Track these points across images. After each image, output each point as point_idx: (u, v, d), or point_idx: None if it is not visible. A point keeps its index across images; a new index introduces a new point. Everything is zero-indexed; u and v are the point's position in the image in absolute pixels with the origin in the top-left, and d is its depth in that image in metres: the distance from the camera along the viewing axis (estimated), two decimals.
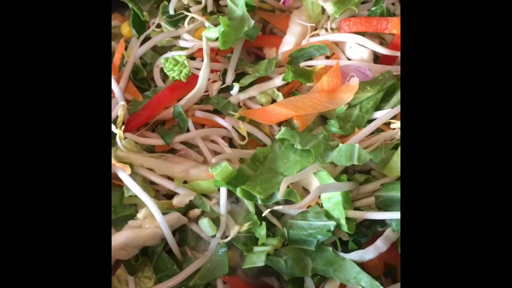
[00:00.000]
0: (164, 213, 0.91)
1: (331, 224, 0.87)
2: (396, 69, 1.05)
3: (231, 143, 1.04)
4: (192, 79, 1.05)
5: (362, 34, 1.07)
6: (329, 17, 1.11)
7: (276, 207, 0.88)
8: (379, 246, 0.89)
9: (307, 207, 0.91)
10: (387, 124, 0.96)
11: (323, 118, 1.04)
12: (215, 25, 1.09)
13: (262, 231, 0.90)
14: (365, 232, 0.92)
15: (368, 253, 0.89)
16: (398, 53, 1.05)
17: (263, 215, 0.88)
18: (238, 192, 0.90)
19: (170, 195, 0.97)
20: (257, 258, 0.89)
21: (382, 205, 0.91)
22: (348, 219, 0.88)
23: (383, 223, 0.91)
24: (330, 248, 0.90)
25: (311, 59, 1.08)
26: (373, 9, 1.10)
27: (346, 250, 0.90)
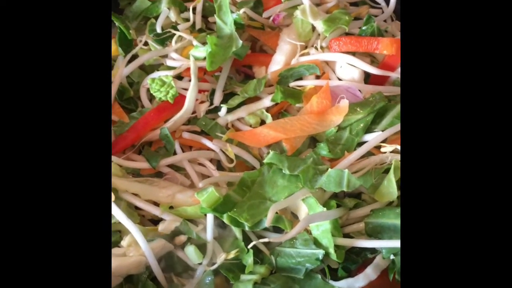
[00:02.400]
0: (149, 240, 0.89)
1: (320, 252, 0.85)
2: (387, 90, 1.03)
3: (219, 166, 1.01)
4: (179, 99, 1.03)
5: (353, 53, 1.06)
6: (319, 35, 1.10)
7: (262, 240, 0.86)
8: (369, 274, 0.88)
9: None
10: (378, 147, 0.95)
11: (313, 140, 1.02)
12: (204, 43, 1.07)
13: (249, 258, 0.88)
14: (355, 259, 0.91)
15: (358, 282, 0.87)
16: (389, 73, 1.04)
17: (250, 246, 0.86)
18: (225, 219, 0.88)
19: (156, 220, 0.95)
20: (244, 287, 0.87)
21: (372, 232, 0.89)
22: (337, 247, 0.86)
23: (373, 249, 0.90)
24: (319, 276, 0.88)
25: (301, 78, 1.07)
26: (363, 28, 1.09)
27: (336, 278, 0.89)
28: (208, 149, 1.01)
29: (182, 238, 0.92)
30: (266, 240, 0.85)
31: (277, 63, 1.09)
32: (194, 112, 1.04)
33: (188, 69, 1.05)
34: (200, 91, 1.05)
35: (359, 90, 1.03)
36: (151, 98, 1.09)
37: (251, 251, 0.88)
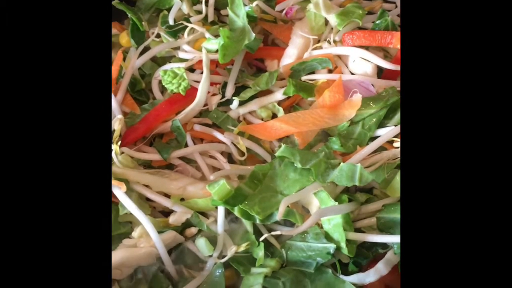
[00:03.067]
0: (160, 232, 0.89)
1: (331, 246, 0.85)
2: (399, 84, 1.02)
3: (230, 159, 1.01)
4: (191, 91, 1.03)
5: (366, 47, 1.05)
6: (332, 29, 1.09)
7: (274, 233, 0.86)
8: (380, 269, 0.87)
9: None
10: (390, 142, 0.94)
11: (325, 134, 1.01)
12: (216, 36, 1.07)
13: (260, 252, 0.88)
14: (366, 254, 0.90)
15: (369, 276, 0.86)
16: None
17: (261, 239, 0.86)
18: (236, 212, 0.88)
19: (167, 212, 0.95)
20: (255, 281, 0.86)
21: (384, 227, 0.88)
22: (348, 241, 0.86)
23: (384, 245, 0.89)
24: (330, 270, 0.88)
25: (313, 72, 1.06)
26: (377, 22, 1.08)
27: (346, 272, 0.88)
28: (220, 141, 1.00)
29: (193, 230, 0.92)
30: (277, 233, 0.85)
31: (289, 56, 1.09)
32: (205, 105, 1.04)
33: (200, 61, 1.04)
34: (212, 84, 1.04)
35: (372, 85, 1.02)
36: (162, 90, 1.08)
37: (262, 244, 0.88)
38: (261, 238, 0.85)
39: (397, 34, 1.01)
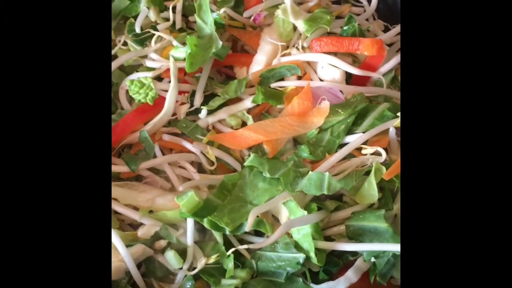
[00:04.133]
0: (128, 245, 0.88)
1: (301, 256, 0.85)
2: (368, 90, 1.03)
3: (200, 168, 1.00)
4: (159, 101, 1.02)
5: (334, 53, 1.05)
6: (300, 35, 1.09)
7: (243, 246, 0.85)
8: (350, 277, 0.88)
9: None
10: (358, 149, 0.94)
11: (294, 141, 1.01)
12: (184, 44, 1.06)
13: (230, 263, 0.88)
14: (336, 262, 0.91)
15: (339, 284, 0.87)
16: (370, 74, 1.03)
17: (229, 252, 0.85)
18: (205, 223, 0.88)
19: (136, 225, 0.94)
20: None
21: (353, 235, 0.89)
22: (318, 250, 0.86)
23: (354, 252, 0.90)
24: (300, 279, 0.88)
25: (282, 79, 1.06)
26: (345, 28, 1.08)
27: (317, 281, 0.89)
28: (189, 151, 0.99)
29: (162, 243, 0.91)
30: (246, 246, 0.84)
31: (258, 63, 1.08)
32: (174, 114, 1.03)
33: (168, 70, 1.03)
34: (180, 93, 1.03)
35: (341, 91, 1.02)
36: (130, 99, 1.06)
37: (231, 255, 0.87)
38: (230, 251, 0.85)
39: (364, 41, 1.01)
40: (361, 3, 1.24)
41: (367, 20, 1.21)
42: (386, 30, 1.20)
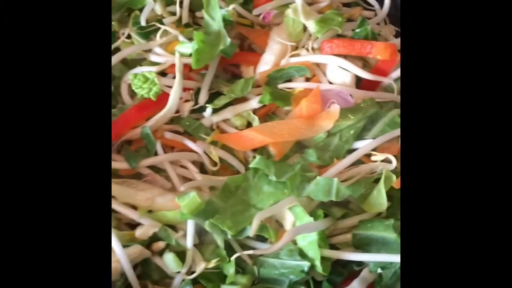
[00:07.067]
0: (125, 246, 0.84)
1: (305, 264, 0.82)
2: (379, 96, 1.00)
3: (202, 168, 0.97)
4: (163, 97, 0.98)
5: (345, 56, 1.02)
6: (310, 36, 1.06)
7: (246, 252, 0.82)
8: None
9: None
10: (368, 155, 0.91)
11: (301, 145, 0.98)
12: (190, 39, 1.02)
13: (231, 268, 0.84)
14: (341, 272, 0.88)
15: None
16: (381, 79, 1.01)
17: (233, 258, 0.82)
18: (207, 226, 0.84)
19: (133, 225, 0.90)
20: None
21: (360, 244, 0.86)
22: (323, 259, 0.83)
23: (360, 262, 0.87)
24: None
25: (290, 80, 1.03)
26: (357, 30, 1.05)
27: None
28: (191, 150, 0.96)
29: (161, 244, 0.88)
30: (249, 252, 0.81)
31: (266, 63, 1.05)
32: (177, 111, 0.99)
33: (173, 65, 0.99)
34: (184, 89, 1.00)
35: (350, 95, 0.99)
36: (132, 94, 1.03)
37: (233, 261, 0.84)
38: (233, 257, 0.81)
39: (377, 44, 0.98)
40: (373, 6, 1.22)
41: (378, 24, 1.18)
42: (397, 35, 1.17)
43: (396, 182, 0.85)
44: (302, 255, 0.83)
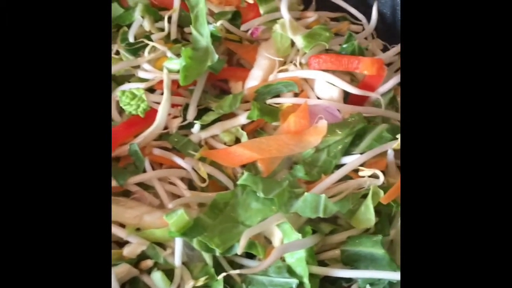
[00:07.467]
0: (112, 265, 0.83)
1: (293, 282, 0.82)
2: (366, 110, 1.01)
3: (190, 185, 0.96)
4: (151, 113, 0.98)
5: (332, 71, 1.02)
6: (298, 51, 1.06)
7: (234, 271, 0.82)
8: None
9: None
10: (355, 170, 0.91)
11: (289, 160, 0.98)
12: (178, 55, 1.02)
13: (219, 287, 0.84)
14: None
15: None
16: (369, 93, 1.01)
17: (220, 277, 0.81)
18: (195, 244, 0.84)
19: (121, 243, 0.90)
20: None
21: (348, 260, 0.86)
22: (311, 275, 0.83)
23: (348, 278, 0.86)
24: None
25: (278, 95, 1.03)
26: (344, 46, 1.06)
27: None
28: (180, 167, 0.95)
29: (149, 262, 0.87)
30: (238, 271, 0.81)
31: (255, 78, 1.05)
32: (166, 128, 0.99)
33: (161, 81, 0.99)
34: (173, 106, 1.00)
35: (338, 110, 0.99)
36: (120, 111, 1.03)
37: (221, 279, 0.83)
38: (220, 276, 0.81)
39: (364, 60, 0.99)
40: (360, 21, 1.22)
41: (365, 38, 1.19)
42: (384, 49, 1.18)
43: (383, 197, 0.85)
44: (291, 272, 0.83)
